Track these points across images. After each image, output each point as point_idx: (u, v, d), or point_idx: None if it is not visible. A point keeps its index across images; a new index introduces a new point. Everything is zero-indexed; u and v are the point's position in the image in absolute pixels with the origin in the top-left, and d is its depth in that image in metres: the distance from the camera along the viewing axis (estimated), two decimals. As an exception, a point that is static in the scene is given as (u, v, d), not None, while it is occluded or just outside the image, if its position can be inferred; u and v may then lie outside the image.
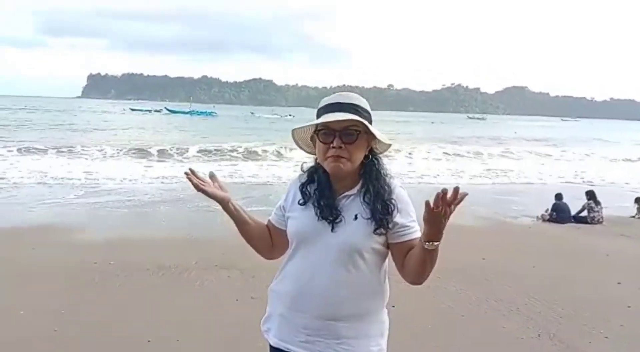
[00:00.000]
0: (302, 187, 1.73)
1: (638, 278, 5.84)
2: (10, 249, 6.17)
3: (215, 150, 20.61)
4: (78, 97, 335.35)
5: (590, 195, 9.51)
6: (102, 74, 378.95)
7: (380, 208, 1.63)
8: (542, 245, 7.46)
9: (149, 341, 3.74)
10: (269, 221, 1.84)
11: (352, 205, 1.66)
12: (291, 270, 1.72)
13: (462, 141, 32.12)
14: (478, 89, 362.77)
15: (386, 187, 1.68)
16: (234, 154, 20.06)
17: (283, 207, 1.80)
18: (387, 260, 1.71)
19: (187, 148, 20.49)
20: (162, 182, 12.84)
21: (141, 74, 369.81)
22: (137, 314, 4.29)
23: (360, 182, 1.69)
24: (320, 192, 1.69)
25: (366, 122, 1.62)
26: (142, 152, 18.94)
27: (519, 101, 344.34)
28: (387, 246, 1.68)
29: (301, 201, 1.71)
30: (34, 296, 4.59)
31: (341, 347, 1.64)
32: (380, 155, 1.75)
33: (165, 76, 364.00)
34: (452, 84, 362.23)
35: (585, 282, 5.57)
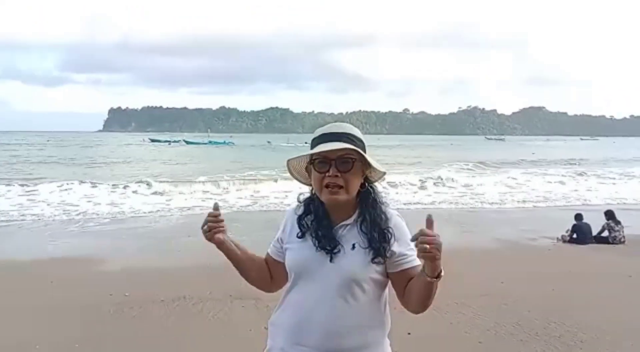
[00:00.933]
0: (300, 219, 1.73)
1: (663, 300, 5.67)
2: (30, 282, 6.24)
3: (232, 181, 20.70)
4: (100, 130, 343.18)
5: (609, 215, 9.31)
6: (123, 107, 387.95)
7: (378, 237, 1.64)
8: (562, 267, 7.30)
9: (161, 374, 3.73)
10: (267, 253, 1.84)
11: (350, 235, 1.66)
12: (290, 303, 1.71)
13: (483, 163, 31.87)
14: (495, 110, 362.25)
15: (382, 216, 1.68)
16: (252, 182, 20.13)
17: (281, 239, 1.80)
18: (387, 289, 1.71)
19: (200, 178, 20.65)
20: (181, 213, 12.94)
21: (160, 107, 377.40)
22: (151, 346, 4.29)
23: (357, 211, 1.69)
24: (317, 223, 1.69)
25: (360, 151, 1.64)
26: (161, 184, 19.16)
27: (536, 122, 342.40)
28: (386, 275, 1.67)
29: (299, 234, 1.71)
30: (50, 329, 4.62)
31: None
32: (376, 184, 1.76)
33: (184, 108, 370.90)
34: (468, 106, 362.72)
35: (607, 305, 5.42)
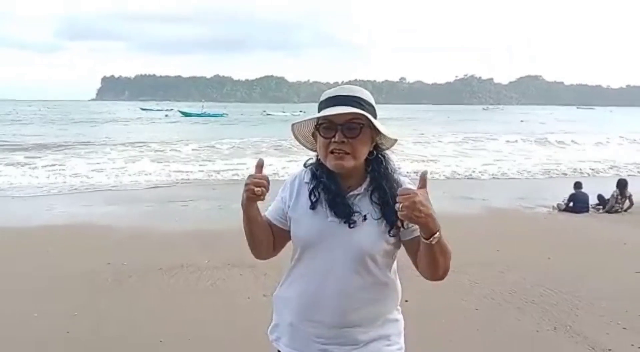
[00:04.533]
0: (309, 188, 1.62)
1: (657, 267, 5.70)
2: (26, 251, 6.22)
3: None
4: (92, 99, 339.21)
5: (619, 184, 9.32)
6: (116, 76, 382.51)
7: (390, 207, 1.53)
8: (558, 235, 7.35)
9: (161, 341, 3.74)
10: (267, 218, 1.70)
11: (360, 205, 1.58)
12: (298, 276, 1.64)
13: (481, 132, 31.76)
14: (491, 79, 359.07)
15: (394, 185, 1.58)
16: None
17: (284, 202, 1.68)
18: (396, 258, 1.67)
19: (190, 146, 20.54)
20: (178, 181, 12.92)
21: (154, 75, 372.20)
22: (150, 314, 4.30)
23: (367, 180, 1.60)
24: (326, 190, 1.59)
25: (370, 116, 1.53)
26: (159, 153, 19.11)
27: (533, 91, 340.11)
28: (399, 244, 1.62)
29: (309, 204, 1.61)
30: (48, 299, 4.62)
31: None
32: (387, 151, 1.67)
33: (178, 76, 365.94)
34: (465, 75, 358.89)
35: (603, 272, 5.46)
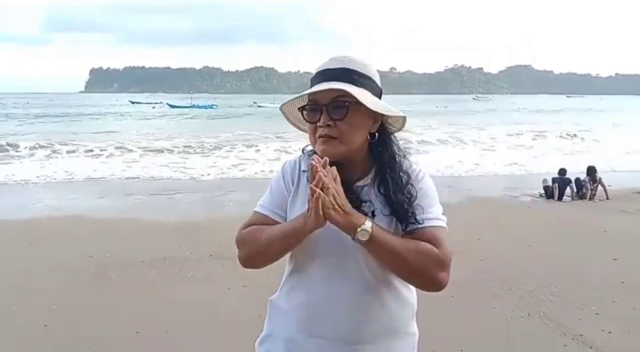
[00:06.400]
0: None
1: (635, 253, 5.79)
2: (8, 245, 6.19)
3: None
4: (81, 92, 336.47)
5: (589, 171, 9.45)
6: (105, 68, 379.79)
7: (402, 201, 1.32)
8: (540, 223, 7.43)
9: (137, 332, 3.76)
10: (266, 216, 1.40)
11: (368, 198, 1.34)
12: (297, 285, 1.40)
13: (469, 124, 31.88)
14: (481, 68, 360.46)
15: (402, 175, 1.36)
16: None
17: (283, 195, 1.40)
18: None
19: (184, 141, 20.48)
20: (164, 175, 12.87)
21: (143, 67, 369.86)
22: (129, 306, 4.31)
23: (373, 169, 1.38)
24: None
25: (355, 91, 1.27)
26: (146, 146, 18.97)
27: (523, 80, 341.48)
28: None
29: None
30: (27, 292, 4.61)
31: None
32: (394, 134, 1.42)
33: (167, 68, 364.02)
34: (455, 64, 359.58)
35: (581, 260, 5.54)
